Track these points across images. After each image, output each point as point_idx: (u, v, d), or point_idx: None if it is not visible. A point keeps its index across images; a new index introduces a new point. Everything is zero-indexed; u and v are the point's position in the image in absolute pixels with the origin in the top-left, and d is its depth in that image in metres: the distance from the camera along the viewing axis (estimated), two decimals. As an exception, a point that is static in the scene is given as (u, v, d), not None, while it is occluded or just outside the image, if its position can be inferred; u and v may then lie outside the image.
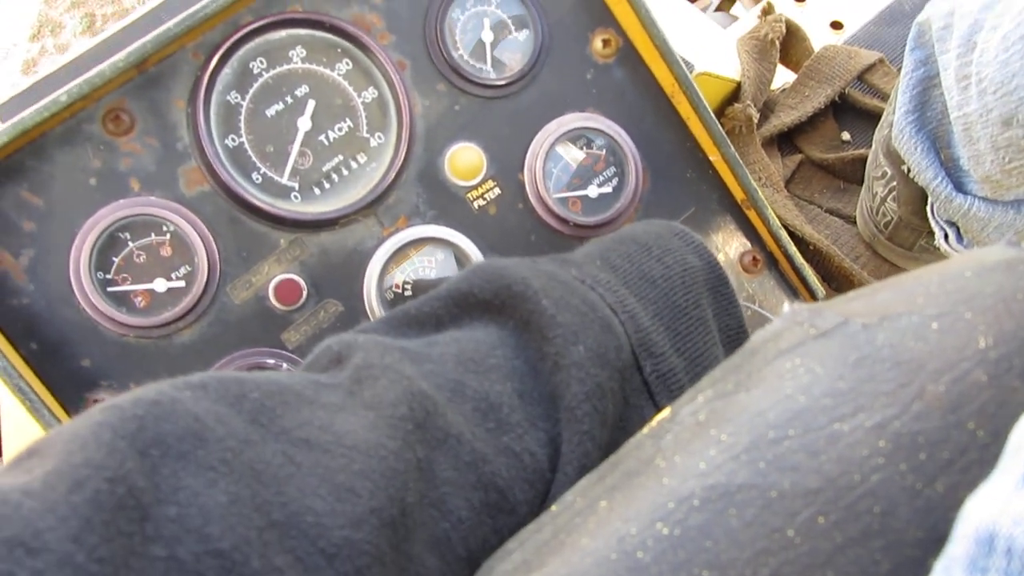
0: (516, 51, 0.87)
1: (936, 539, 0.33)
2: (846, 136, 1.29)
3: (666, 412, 0.44)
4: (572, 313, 0.59)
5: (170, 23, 0.75)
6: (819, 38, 1.45)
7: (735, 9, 1.80)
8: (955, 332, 0.38)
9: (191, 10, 0.75)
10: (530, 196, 0.86)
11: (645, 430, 0.44)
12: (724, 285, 0.69)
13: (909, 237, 1.08)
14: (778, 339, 0.42)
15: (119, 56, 0.73)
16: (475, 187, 0.85)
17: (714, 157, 0.89)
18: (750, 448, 0.36)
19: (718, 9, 1.82)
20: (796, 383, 0.38)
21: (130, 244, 0.77)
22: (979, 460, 0.35)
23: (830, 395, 0.37)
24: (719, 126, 0.87)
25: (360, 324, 0.74)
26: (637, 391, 0.61)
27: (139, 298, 0.77)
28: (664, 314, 0.64)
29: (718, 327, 0.68)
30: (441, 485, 0.51)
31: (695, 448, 0.38)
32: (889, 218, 1.07)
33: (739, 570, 0.33)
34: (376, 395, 0.52)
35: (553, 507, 0.45)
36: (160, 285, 0.78)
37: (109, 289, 0.77)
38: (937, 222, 0.95)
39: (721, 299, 0.69)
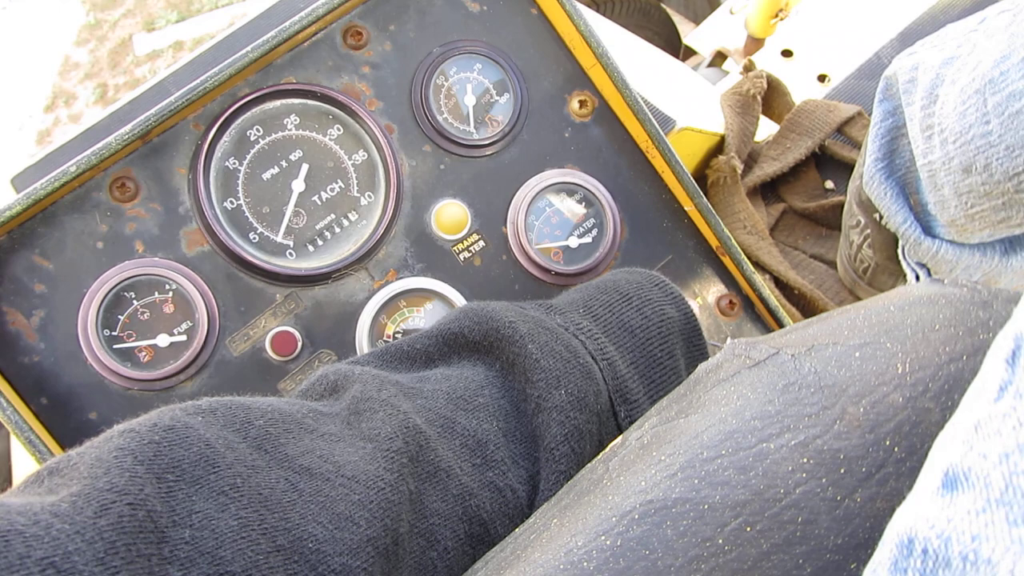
0: (498, 113, 0.92)
1: (855, 545, 0.37)
2: (830, 184, 1.33)
3: (618, 439, 0.47)
4: (555, 359, 0.63)
5: (171, 97, 0.80)
6: (807, 90, 1.50)
7: (727, 65, 1.86)
8: (875, 359, 0.42)
9: (192, 84, 0.80)
10: (513, 248, 0.91)
11: (599, 455, 0.48)
12: (698, 336, 0.73)
13: (888, 281, 1.11)
14: (718, 370, 0.46)
15: (125, 129, 0.79)
16: (460, 240, 0.90)
17: (688, 207, 0.93)
18: (685, 467, 0.39)
19: (710, 65, 1.89)
20: (729, 408, 0.42)
21: (135, 303, 0.82)
22: (895, 473, 0.38)
23: (759, 417, 0.40)
24: (691, 178, 0.92)
25: (352, 356, 0.77)
26: (611, 435, 0.64)
27: (143, 353, 0.82)
28: (640, 363, 0.67)
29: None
30: (430, 516, 0.55)
31: (638, 468, 0.41)
32: (867, 264, 1.10)
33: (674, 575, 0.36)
34: (373, 427, 0.55)
35: (516, 530, 0.48)
36: (163, 340, 0.82)
37: (115, 346, 0.81)
38: (908, 264, 0.98)
39: (694, 349, 0.72)
